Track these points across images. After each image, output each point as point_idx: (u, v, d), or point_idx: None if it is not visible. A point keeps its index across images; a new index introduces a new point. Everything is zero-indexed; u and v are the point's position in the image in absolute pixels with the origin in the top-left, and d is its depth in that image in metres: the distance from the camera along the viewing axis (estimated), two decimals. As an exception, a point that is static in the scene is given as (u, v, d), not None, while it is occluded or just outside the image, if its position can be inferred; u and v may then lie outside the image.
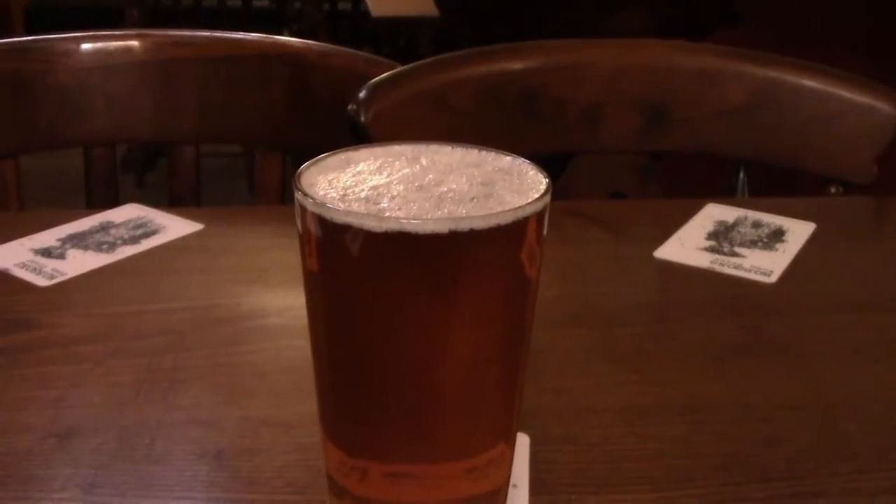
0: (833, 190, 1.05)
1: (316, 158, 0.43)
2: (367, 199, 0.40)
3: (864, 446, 0.56)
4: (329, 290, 0.41)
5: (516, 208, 0.39)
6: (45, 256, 0.76)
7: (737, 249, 0.81)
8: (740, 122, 1.07)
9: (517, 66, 1.07)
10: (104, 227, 0.82)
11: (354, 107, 0.93)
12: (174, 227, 0.82)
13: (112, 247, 0.78)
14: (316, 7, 3.42)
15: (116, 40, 1.04)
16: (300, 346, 0.46)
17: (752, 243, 0.82)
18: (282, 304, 0.71)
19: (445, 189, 0.41)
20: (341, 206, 0.40)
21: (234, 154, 3.27)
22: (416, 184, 0.42)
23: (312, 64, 1.05)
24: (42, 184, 2.22)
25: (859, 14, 1.99)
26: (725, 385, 0.62)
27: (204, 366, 0.63)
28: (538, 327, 0.45)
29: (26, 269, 0.74)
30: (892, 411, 0.60)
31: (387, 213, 0.39)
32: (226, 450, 0.54)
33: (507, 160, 0.44)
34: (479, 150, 0.45)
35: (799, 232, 0.85)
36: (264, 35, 1.08)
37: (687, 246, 0.81)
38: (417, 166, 0.43)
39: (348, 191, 0.41)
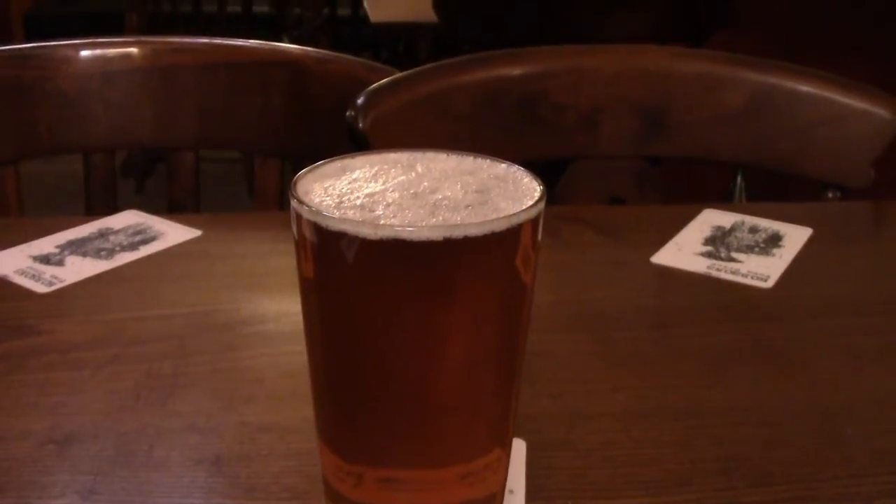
0: (830, 195, 1.05)
1: (312, 166, 0.44)
2: (362, 207, 0.41)
3: (862, 450, 0.56)
4: (324, 297, 0.41)
5: (511, 215, 0.39)
6: (44, 263, 0.76)
7: (734, 254, 0.81)
8: (738, 128, 1.08)
9: (516, 71, 1.07)
10: (103, 234, 0.82)
11: (353, 113, 0.93)
12: (173, 233, 0.83)
13: (111, 253, 0.79)
14: (315, 13, 3.43)
15: (116, 47, 1.05)
16: (299, 352, 0.46)
17: (749, 248, 0.82)
18: (280, 309, 0.72)
19: (440, 196, 0.42)
20: (337, 213, 0.40)
21: (235, 159, 3.28)
22: (412, 191, 0.42)
23: (311, 70, 1.06)
24: (42, 189, 2.22)
25: (857, 19, 2.00)
26: (723, 390, 0.63)
27: (203, 372, 0.63)
28: (536, 332, 0.46)
29: (25, 276, 0.74)
30: (890, 415, 0.61)
31: (382, 221, 0.39)
32: (224, 456, 0.54)
33: (501, 167, 0.45)
34: (475, 157, 0.45)
35: (796, 237, 0.85)
36: (263, 41, 1.08)
37: (684, 251, 0.82)
38: (413, 174, 0.44)
39: (344, 198, 0.41)
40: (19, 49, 1.03)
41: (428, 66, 1.04)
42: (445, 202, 0.41)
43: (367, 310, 0.40)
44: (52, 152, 1.05)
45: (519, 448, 0.54)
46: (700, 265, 0.79)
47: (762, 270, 0.78)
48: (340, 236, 0.39)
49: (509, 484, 0.48)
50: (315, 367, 0.43)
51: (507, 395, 0.44)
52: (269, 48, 1.08)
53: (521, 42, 1.10)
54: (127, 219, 0.86)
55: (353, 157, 0.45)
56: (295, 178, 0.42)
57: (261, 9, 3.34)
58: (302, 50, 1.08)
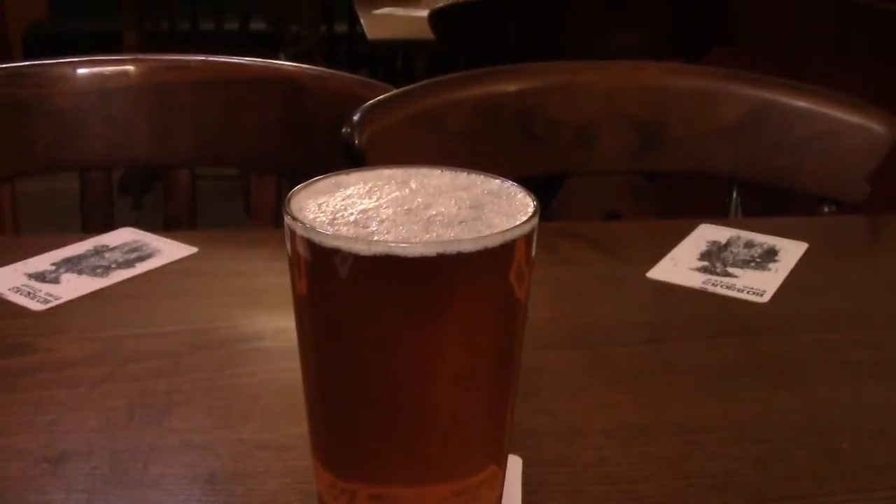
0: (826, 209, 1.06)
1: (306, 182, 0.44)
2: (356, 223, 0.41)
3: (859, 465, 0.56)
4: (318, 313, 0.41)
5: (504, 231, 0.39)
6: (39, 281, 0.76)
7: (729, 269, 0.81)
8: (734, 143, 1.08)
9: (512, 87, 1.08)
10: (98, 251, 0.82)
11: (349, 130, 0.94)
12: (169, 250, 0.83)
13: (106, 270, 0.79)
14: (312, 30, 3.44)
15: (113, 65, 1.05)
16: (295, 369, 0.46)
17: (745, 263, 0.82)
18: (276, 326, 0.71)
19: (434, 212, 0.42)
20: (330, 229, 0.40)
21: (231, 176, 3.28)
22: (405, 207, 0.42)
23: (307, 87, 1.06)
24: (38, 207, 2.22)
25: (851, 35, 2.01)
26: (719, 405, 0.62)
27: (198, 389, 0.63)
28: (531, 348, 0.45)
29: (20, 294, 0.74)
30: (887, 429, 0.60)
31: (375, 237, 0.39)
32: (219, 473, 0.54)
33: (495, 183, 0.45)
34: (469, 173, 0.45)
35: (791, 251, 0.85)
36: (259, 59, 1.09)
37: (680, 266, 0.82)
38: (407, 190, 0.44)
39: (337, 214, 0.41)
40: (16, 67, 1.03)
41: (423, 82, 1.05)
42: (439, 218, 0.41)
43: (361, 326, 0.40)
44: (49, 170, 1.05)
45: (514, 464, 0.54)
46: (696, 280, 0.79)
47: (758, 285, 0.78)
48: (334, 252, 0.39)
49: (505, 501, 0.48)
50: (309, 383, 0.43)
51: (501, 411, 0.44)
52: (265, 65, 1.08)
53: (517, 58, 1.10)
54: (123, 236, 0.86)
55: (347, 174, 0.45)
56: (289, 194, 0.43)
57: (258, 26, 3.35)
58: (298, 67, 1.08)
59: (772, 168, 1.08)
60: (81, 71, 1.03)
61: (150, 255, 0.81)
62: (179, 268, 0.80)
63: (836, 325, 0.74)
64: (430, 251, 0.38)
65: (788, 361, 0.68)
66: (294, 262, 0.41)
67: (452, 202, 0.43)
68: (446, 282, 0.39)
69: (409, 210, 0.42)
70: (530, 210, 0.42)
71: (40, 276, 0.77)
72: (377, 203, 0.42)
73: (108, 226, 0.97)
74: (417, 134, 1.02)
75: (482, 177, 0.45)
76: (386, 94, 1.00)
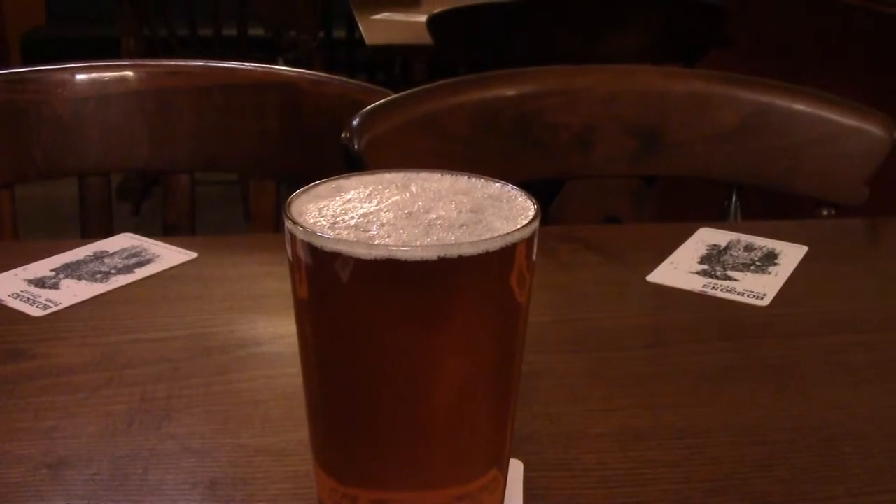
0: (825, 212, 1.06)
1: (306, 186, 0.44)
2: (356, 227, 0.41)
3: (860, 468, 0.56)
4: (319, 318, 0.41)
5: (505, 234, 0.39)
6: (38, 286, 0.76)
7: (729, 273, 0.81)
8: (732, 146, 1.08)
9: (511, 92, 1.08)
10: (98, 257, 0.82)
11: (348, 134, 0.94)
12: (168, 255, 0.82)
13: (106, 276, 0.79)
14: (311, 36, 3.44)
15: (111, 70, 1.05)
16: (295, 374, 0.46)
17: (745, 266, 0.82)
18: (276, 332, 0.71)
19: (435, 216, 0.42)
20: (331, 233, 0.40)
21: (230, 181, 3.28)
22: (406, 211, 0.42)
23: (306, 92, 1.06)
24: (37, 212, 2.22)
25: (848, 38, 2.01)
26: (720, 408, 0.62)
27: (198, 394, 0.63)
28: (532, 352, 0.45)
29: (20, 300, 0.74)
30: (887, 432, 0.60)
31: (376, 241, 0.39)
32: (219, 479, 0.54)
33: (496, 187, 0.45)
34: (469, 177, 0.45)
35: (791, 254, 0.85)
36: (258, 64, 1.09)
37: (680, 270, 0.82)
38: (407, 194, 0.44)
39: (338, 218, 0.41)
40: (15, 73, 1.03)
41: (422, 87, 1.05)
42: (440, 222, 0.41)
43: (362, 330, 0.40)
44: (48, 175, 1.05)
45: (515, 469, 0.54)
46: (696, 284, 0.79)
47: (758, 288, 0.78)
48: (335, 257, 0.38)
49: (506, 505, 0.48)
50: (310, 388, 0.43)
51: (502, 416, 0.43)
52: (264, 70, 1.08)
53: (516, 63, 1.10)
54: (122, 242, 0.85)
55: (347, 178, 0.45)
56: (289, 198, 0.43)
57: (256, 32, 3.36)
58: (297, 72, 1.08)
59: (771, 171, 1.08)
60: (80, 76, 1.03)
61: (149, 261, 0.81)
62: (179, 273, 0.80)
63: (837, 328, 0.74)
64: (431, 255, 0.38)
65: (789, 364, 0.68)
66: (294, 266, 0.41)
67: (453, 206, 0.43)
68: (447, 285, 0.39)
69: (410, 214, 0.42)
70: (531, 213, 0.42)
71: (40, 282, 0.77)
72: (378, 207, 0.42)
73: (108, 231, 0.97)
74: (417, 138, 1.02)
75: (482, 180, 0.45)
76: (385, 99, 1.00)
